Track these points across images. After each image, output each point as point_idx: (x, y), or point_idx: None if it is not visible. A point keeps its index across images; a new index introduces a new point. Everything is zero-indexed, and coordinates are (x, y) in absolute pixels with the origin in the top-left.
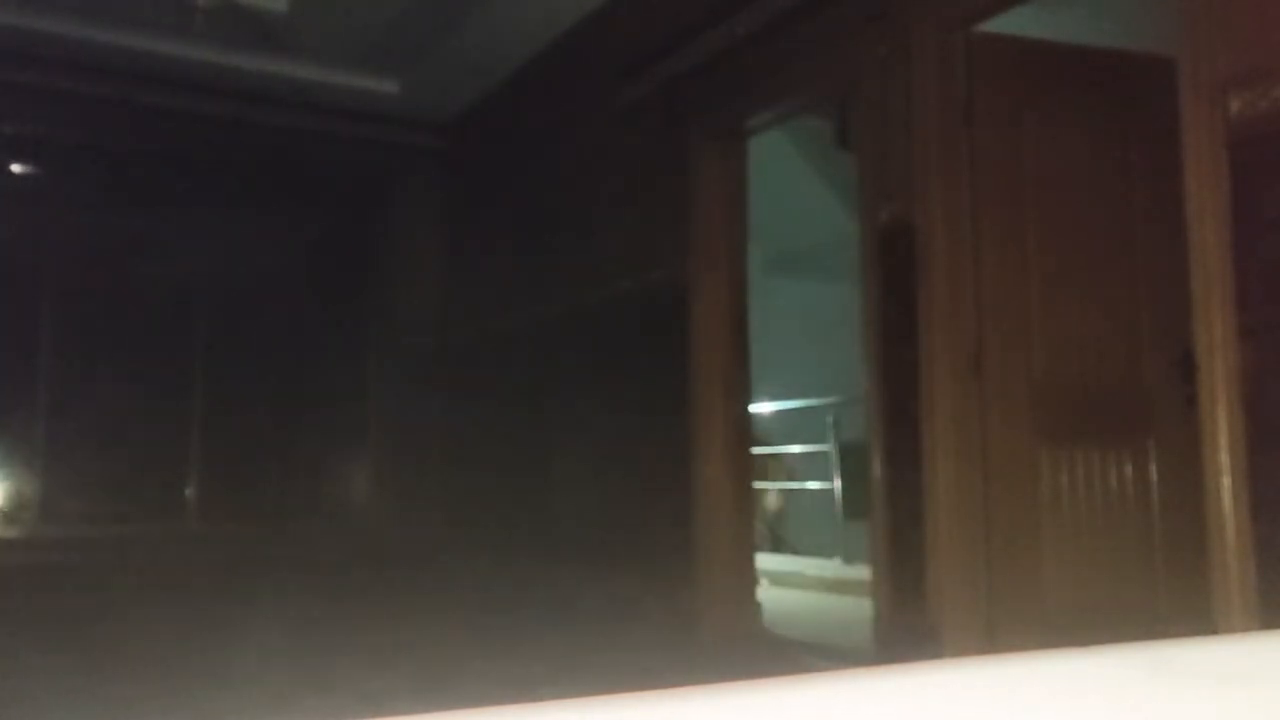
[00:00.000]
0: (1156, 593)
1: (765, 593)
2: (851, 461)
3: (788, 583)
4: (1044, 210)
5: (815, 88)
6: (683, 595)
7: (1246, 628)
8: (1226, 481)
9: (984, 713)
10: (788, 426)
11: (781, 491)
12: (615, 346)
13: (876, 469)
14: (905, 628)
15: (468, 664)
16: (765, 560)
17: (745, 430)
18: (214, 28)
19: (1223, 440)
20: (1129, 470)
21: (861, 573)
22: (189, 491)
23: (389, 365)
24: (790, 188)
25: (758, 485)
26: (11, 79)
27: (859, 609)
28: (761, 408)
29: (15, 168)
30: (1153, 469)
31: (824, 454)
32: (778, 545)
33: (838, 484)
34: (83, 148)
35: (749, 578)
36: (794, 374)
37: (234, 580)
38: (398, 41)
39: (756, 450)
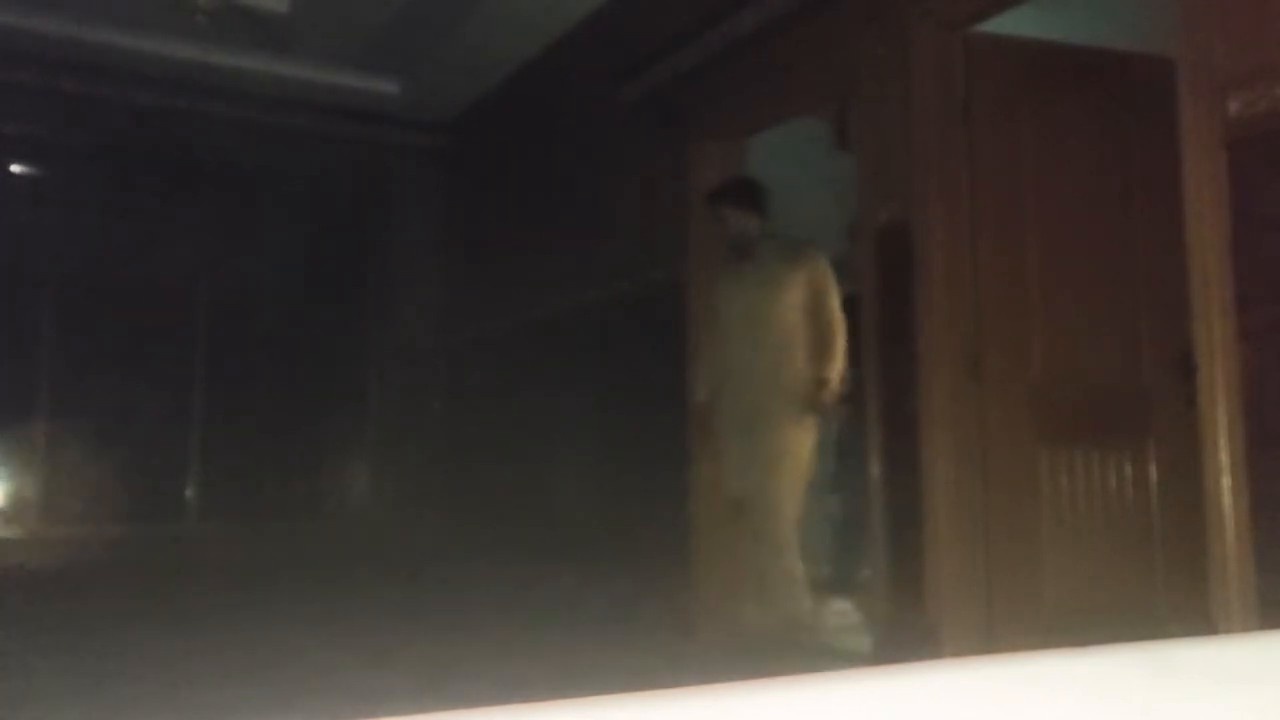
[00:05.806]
0: (1156, 593)
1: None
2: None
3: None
4: (1043, 210)
5: (814, 88)
6: (682, 595)
7: (1246, 628)
8: (1226, 481)
9: (984, 713)
10: None
11: None
12: (615, 347)
13: (875, 470)
14: (905, 628)
15: (467, 664)
16: None
17: None
18: (214, 28)
19: (1222, 440)
20: (1129, 470)
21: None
22: (189, 491)
23: (389, 365)
24: (789, 188)
25: None
26: (11, 79)
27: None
28: None
29: (15, 168)
30: (1152, 469)
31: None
32: None
33: None
34: (83, 148)
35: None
36: None
37: (234, 580)
38: (398, 41)
39: None
